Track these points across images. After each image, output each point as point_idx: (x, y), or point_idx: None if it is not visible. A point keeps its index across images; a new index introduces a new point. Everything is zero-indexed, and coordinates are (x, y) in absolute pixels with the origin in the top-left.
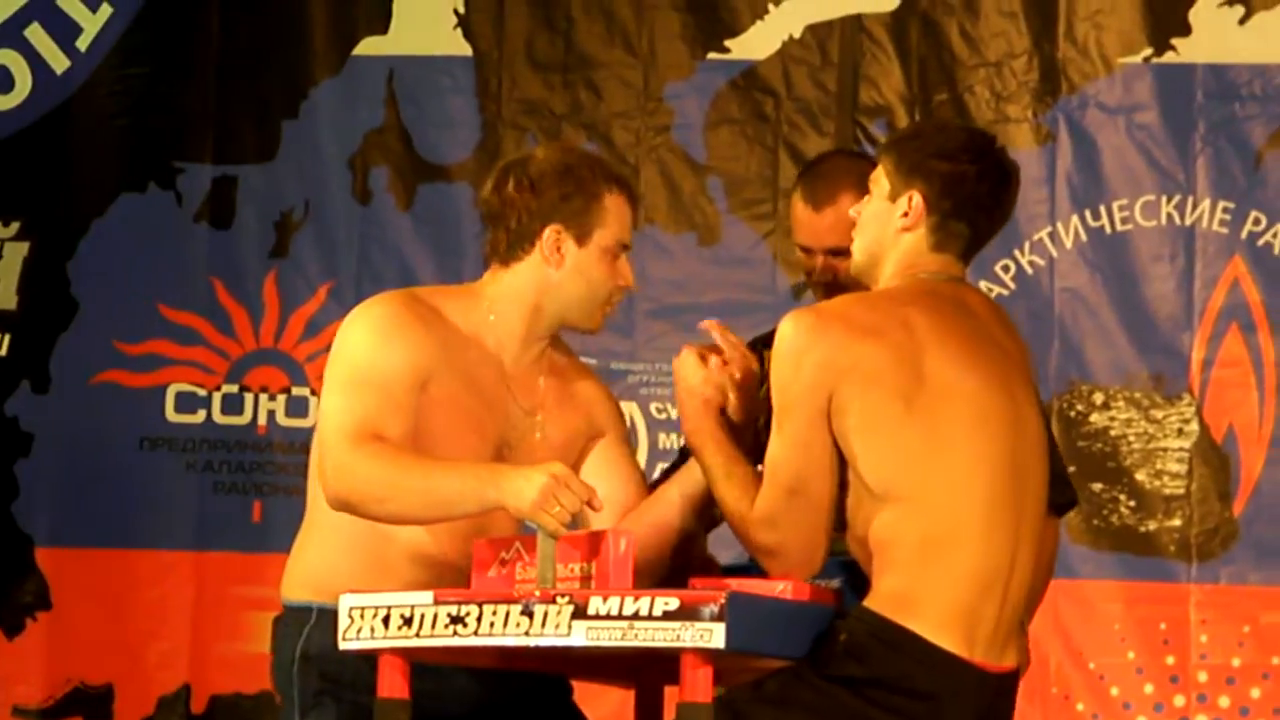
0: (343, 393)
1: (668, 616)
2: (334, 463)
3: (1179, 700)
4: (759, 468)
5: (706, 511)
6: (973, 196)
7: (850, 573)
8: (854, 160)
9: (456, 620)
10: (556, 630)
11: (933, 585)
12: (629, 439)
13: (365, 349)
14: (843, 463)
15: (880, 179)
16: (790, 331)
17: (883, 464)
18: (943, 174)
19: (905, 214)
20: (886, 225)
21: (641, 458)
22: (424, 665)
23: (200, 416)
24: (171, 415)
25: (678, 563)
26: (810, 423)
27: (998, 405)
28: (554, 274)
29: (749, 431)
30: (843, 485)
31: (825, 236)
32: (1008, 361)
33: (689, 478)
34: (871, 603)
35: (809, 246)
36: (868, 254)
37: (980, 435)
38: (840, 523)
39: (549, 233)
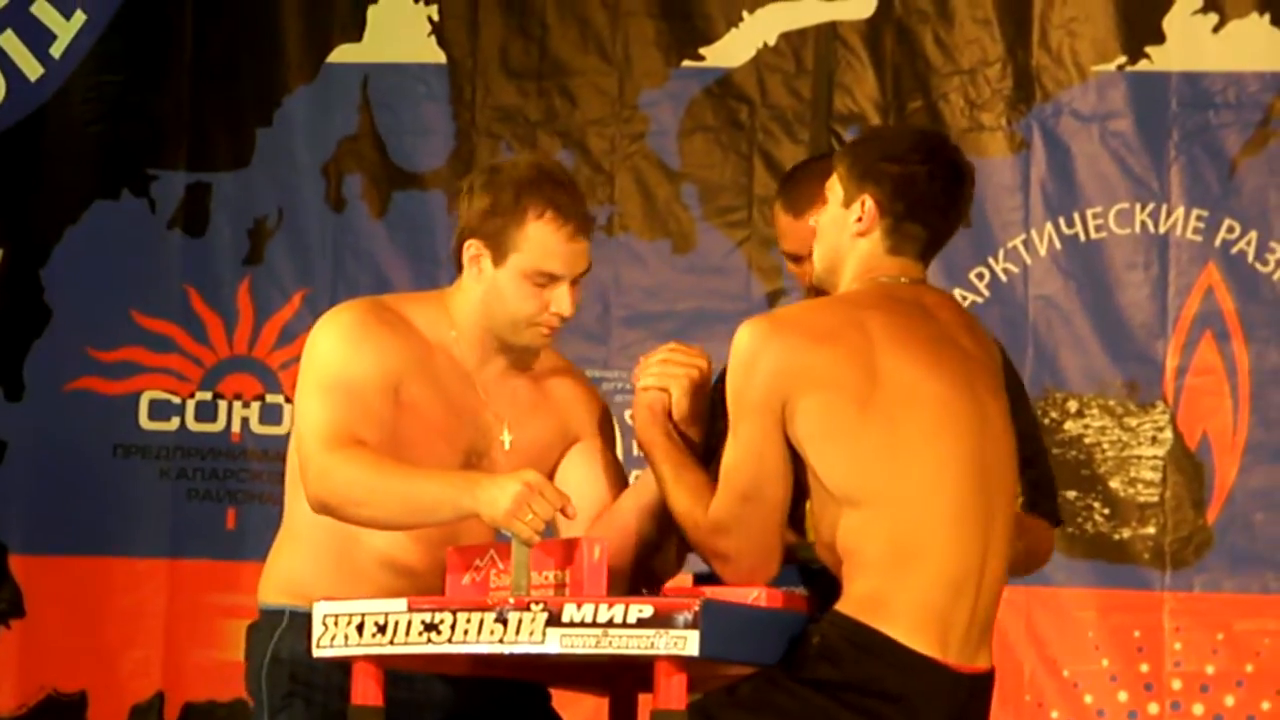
0: (317, 398)
1: (642, 624)
2: (315, 466)
3: (1153, 708)
4: None
5: (667, 520)
6: (925, 197)
7: (812, 581)
8: (829, 164)
9: (431, 628)
10: (531, 638)
11: (904, 588)
12: (611, 441)
13: (335, 355)
14: (804, 468)
15: (835, 185)
16: (745, 338)
17: (842, 469)
18: (893, 176)
19: (859, 219)
20: (842, 231)
21: None
22: (400, 673)
23: (174, 424)
24: (145, 423)
25: (640, 571)
26: (764, 430)
27: (962, 406)
28: (479, 288)
29: (702, 436)
30: (809, 492)
31: (810, 241)
32: (970, 362)
33: (645, 487)
34: (843, 606)
35: (797, 254)
36: (825, 261)
37: (945, 437)
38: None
39: (469, 246)
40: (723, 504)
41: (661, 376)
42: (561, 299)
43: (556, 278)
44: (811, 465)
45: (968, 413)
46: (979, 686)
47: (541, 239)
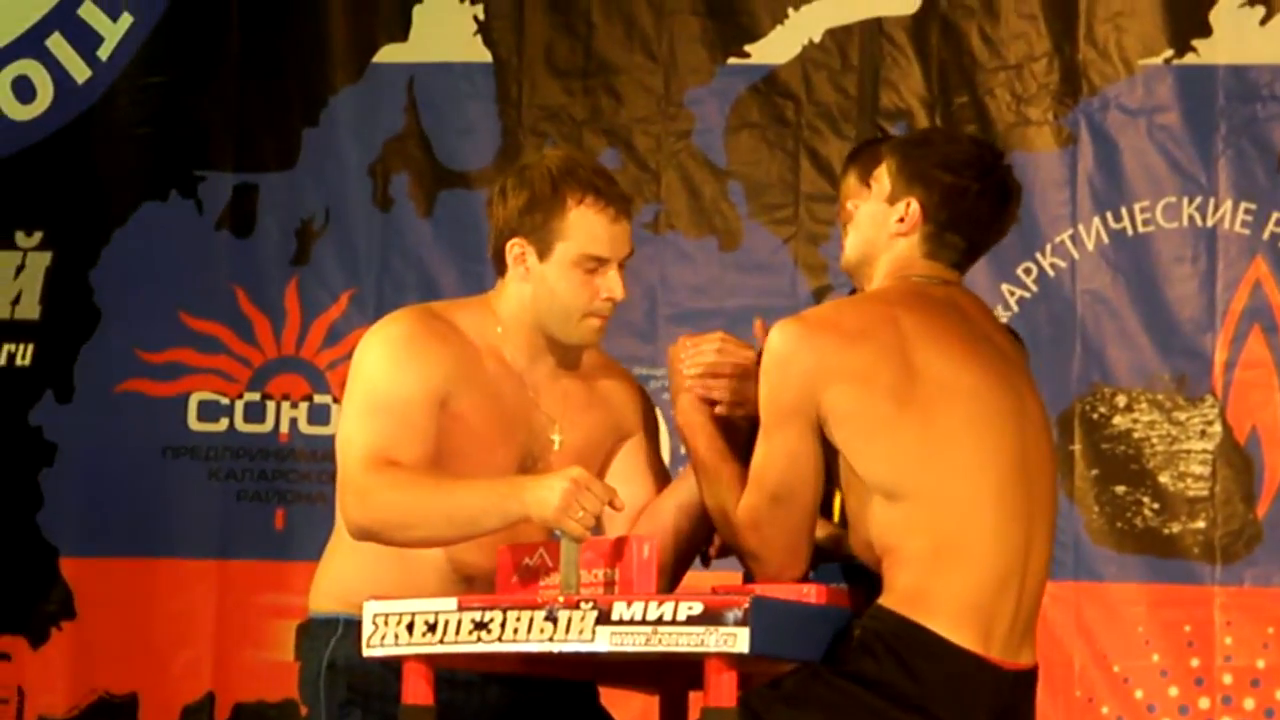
0: (359, 419)
1: (692, 621)
2: (353, 493)
3: (1204, 703)
4: None
5: (707, 517)
6: (971, 212)
7: (854, 577)
8: None
9: (480, 626)
10: (580, 636)
11: (947, 582)
12: (657, 438)
13: (380, 372)
14: (837, 460)
15: (882, 178)
16: (778, 340)
17: (881, 464)
18: (944, 185)
19: (901, 219)
20: (881, 227)
21: None
22: (452, 675)
23: (223, 425)
24: (194, 424)
25: (681, 570)
26: (799, 433)
27: (1002, 401)
28: (526, 288)
29: (744, 426)
30: (839, 483)
31: None
32: (1005, 360)
33: (685, 485)
34: (887, 600)
35: None
36: (859, 253)
37: (986, 431)
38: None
39: (512, 246)
40: (752, 502)
41: (719, 365)
42: (612, 283)
43: (604, 261)
44: (849, 462)
45: (1007, 406)
46: (1023, 683)
47: (585, 223)
